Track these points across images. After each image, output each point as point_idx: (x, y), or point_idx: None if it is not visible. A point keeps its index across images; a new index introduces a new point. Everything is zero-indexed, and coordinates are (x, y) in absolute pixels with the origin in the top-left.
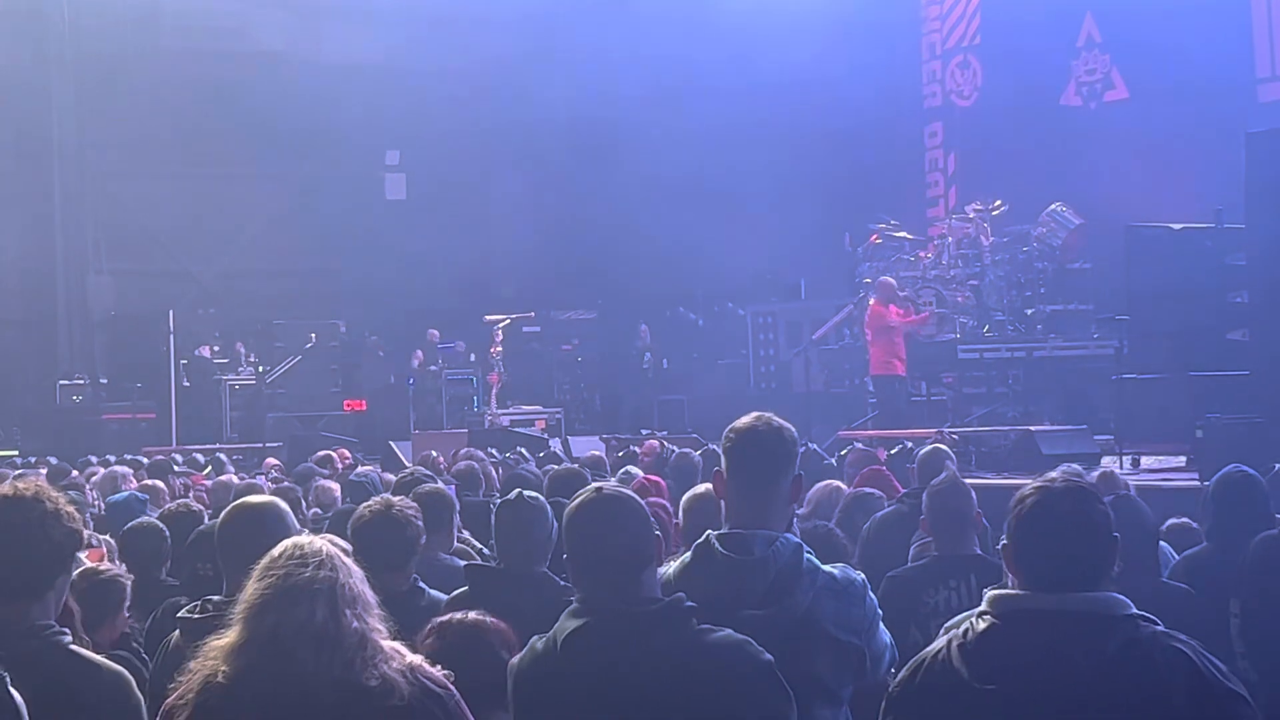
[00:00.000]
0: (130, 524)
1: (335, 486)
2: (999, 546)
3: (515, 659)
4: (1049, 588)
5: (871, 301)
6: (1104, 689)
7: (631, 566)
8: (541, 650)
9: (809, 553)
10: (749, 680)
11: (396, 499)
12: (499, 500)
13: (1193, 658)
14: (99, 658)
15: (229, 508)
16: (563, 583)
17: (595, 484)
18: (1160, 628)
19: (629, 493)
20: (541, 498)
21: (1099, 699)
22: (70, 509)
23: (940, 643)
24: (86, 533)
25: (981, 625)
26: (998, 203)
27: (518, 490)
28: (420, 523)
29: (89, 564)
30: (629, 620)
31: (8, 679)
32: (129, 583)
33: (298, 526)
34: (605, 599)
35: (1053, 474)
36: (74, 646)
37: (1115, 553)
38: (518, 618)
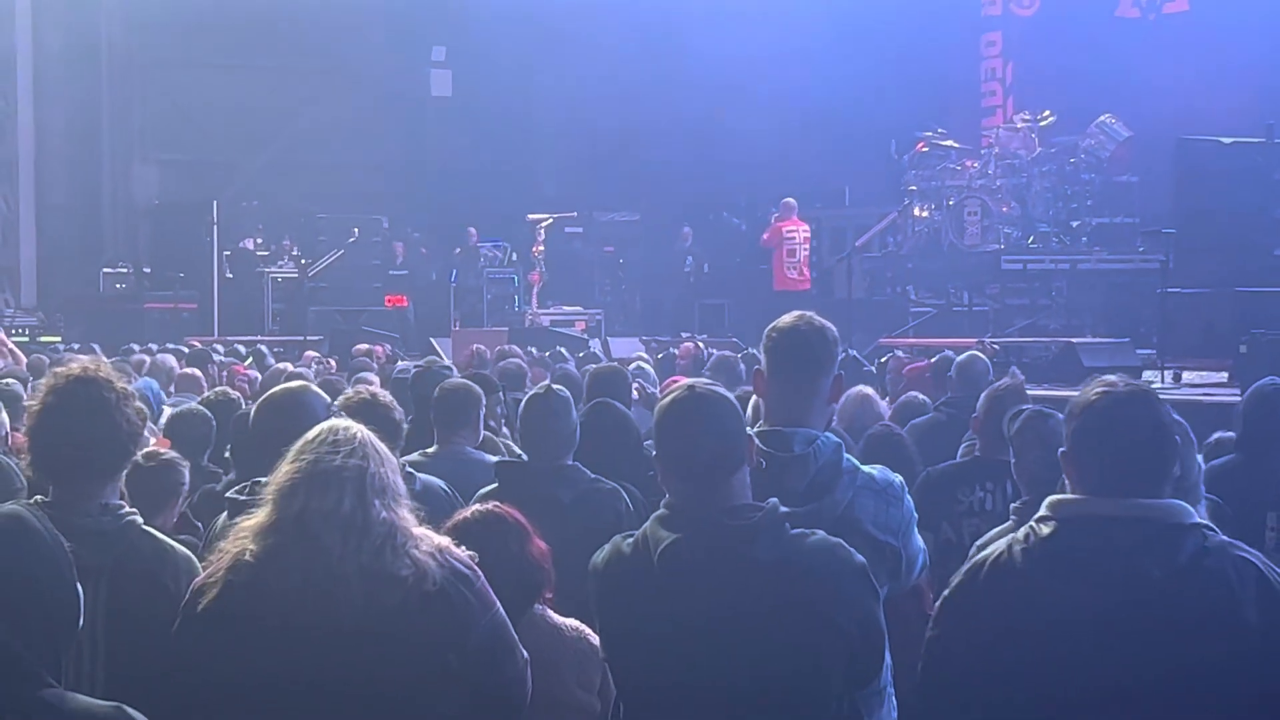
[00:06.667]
0: (177, 411)
1: (376, 380)
2: (1059, 452)
3: (598, 557)
4: (1113, 493)
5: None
6: (1176, 598)
7: (723, 469)
8: (630, 555)
9: (848, 453)
10: (846, 584)
11: (379, 390)
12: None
13: (1261, 568)
14: (170, 539)
15: (271, 390)
16: (592, 475)
17: (688, 380)
18: (1224, 537)
19: (723, 391)
20: (567, 391)
21: (1171, 607)
22: (135, 392)
23: (999, 545)
24: None
25: (1045, 530)
26: (1046, 113)
27: (545, 384)
28: (400, 413)
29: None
30: (728, 534)
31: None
32: (186, 467)
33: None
34: (698, 507)
35: (1111, 378)
36: (147, 527)
37: (1176, 457)
38: (554, 509)
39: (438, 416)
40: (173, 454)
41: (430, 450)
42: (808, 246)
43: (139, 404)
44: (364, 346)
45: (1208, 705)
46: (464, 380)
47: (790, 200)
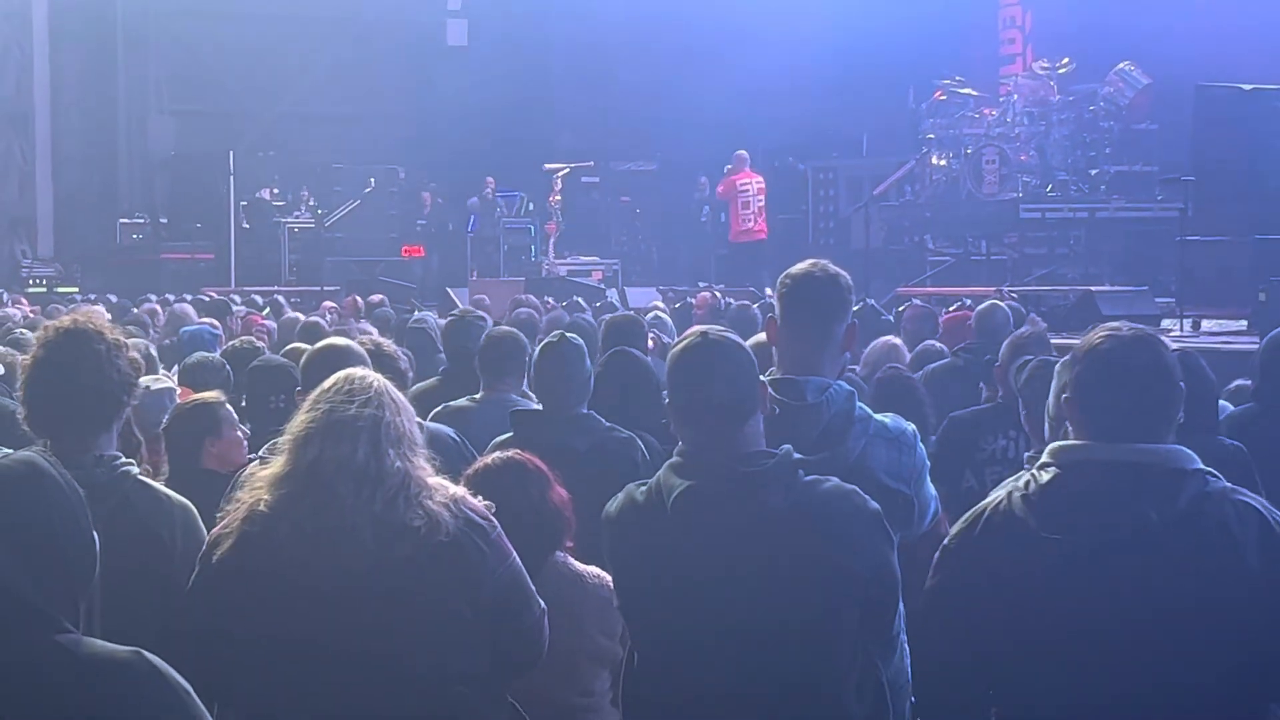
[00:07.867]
0: (190, 360)
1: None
2: (1062, 398)
3: (611, 505)
4: (1115, 438)
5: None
6: (1176, 543)
7: (736, 416)
8: (644, 503)
9: (861, 401)
10: (860, 531)
11: (383, 340)
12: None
13: (1263, 513)
14: (167, 489)
15: (315, 347)
16: (607, 423)
17: (701, 327)
18: (1226, 483)
19: (735, 338)
20: (580, 339)
21: (1171, 553)
22: (129, 341)
23: (999, 493)
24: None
25: (1045, 476)
26: (1065, 60)
27: (559, 332)
28: (405, 362)
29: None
30: (740, 480)
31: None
32: (219, 405)
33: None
34: (710, 453)
35: (1115, 324)
36: (143, 477)
37: (1181, 402)
38: (570, 457)
39: (483, 364)
40: (214, 395)
41: (477, 396)
42: (762, 197)
43: (133, 354)
44: (378, 297)
45: (1206, 648)
46: (510, 328)
47: (743, 153)
